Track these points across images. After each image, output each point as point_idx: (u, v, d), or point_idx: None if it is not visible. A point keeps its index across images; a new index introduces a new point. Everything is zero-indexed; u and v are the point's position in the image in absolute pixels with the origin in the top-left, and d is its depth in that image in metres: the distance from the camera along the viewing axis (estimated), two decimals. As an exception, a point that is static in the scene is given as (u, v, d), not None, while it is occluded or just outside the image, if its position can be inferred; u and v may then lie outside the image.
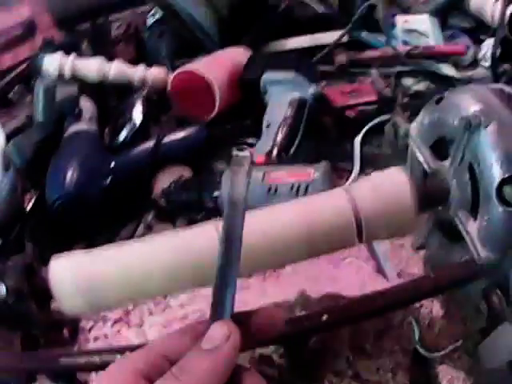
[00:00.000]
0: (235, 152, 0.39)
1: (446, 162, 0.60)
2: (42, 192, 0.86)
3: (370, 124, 0.95)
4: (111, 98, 1.07)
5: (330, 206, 0.50)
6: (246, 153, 0.39)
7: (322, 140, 0.96)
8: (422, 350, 0.62)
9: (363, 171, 0.90)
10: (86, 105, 0.98)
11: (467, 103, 0.57)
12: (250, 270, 0.48)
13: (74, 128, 0.93)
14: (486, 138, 0.53)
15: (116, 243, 0.54)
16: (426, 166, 0.63)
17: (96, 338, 0.73)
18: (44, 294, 0.52)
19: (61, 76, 1.04)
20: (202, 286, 0.52)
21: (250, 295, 0.71)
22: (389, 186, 0.52)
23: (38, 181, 0.88)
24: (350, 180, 0.87)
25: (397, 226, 0.51)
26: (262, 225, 0.50)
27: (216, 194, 0.82)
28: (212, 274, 0.49)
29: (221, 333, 0.35)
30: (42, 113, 0.92)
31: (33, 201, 0.87)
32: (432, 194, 0.57)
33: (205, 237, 0.50)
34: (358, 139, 0.93)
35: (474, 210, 0.56)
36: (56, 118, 0.94)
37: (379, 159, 0.91)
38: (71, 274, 0.51)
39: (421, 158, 0.64)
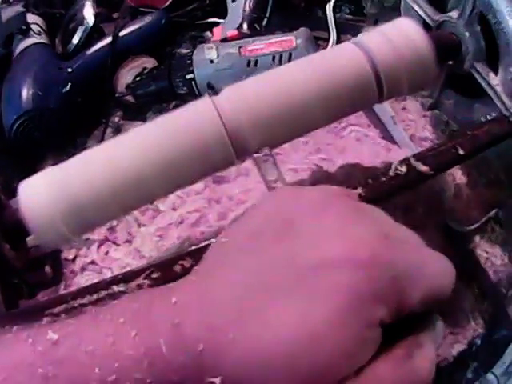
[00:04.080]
0: (256, 155, 0.45)
1: (452, 14, 0.56)
2: (-1, 121, 0.79)
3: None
4: (58, 7, 0.97)
5: (343, 62, 0.45)
6: (266, 150, 0.44)
7: (292, 10, 0.90)
8: (453, 224, 0.58)
9: (339, 38, 0.84)
10: (33, 18, 0.90)
11: None
12: (264, 144, 0.43)
13: (22, 45, 0.86)
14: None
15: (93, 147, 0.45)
16: (428, 20, 0.59)
17: (83, 269, 0.64)
18: (17, 230, 0.44)
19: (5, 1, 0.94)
20: (211, 171, 0.47)
21: (251, 181, 0.63)
22: (403, 36, 0.46)
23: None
24: (330, 47, 0.81)
25: (418, 78, 0.46)
26: (271, 89, 0.44)
27: (189, 76, 0.77)
28: (223, 156, 0.44)
29: None
30: (-13, 39, 0.83)
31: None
32: (445, 45, 0.52)
33: (204, 113, 0.44)
34: (329, 6, 0.87)
35: (492, 63, 0.52)
36: (3, 41, 0.85)
37: (357, 23, 0.85)
38: (46, 194, 0.43)
39: (420, 12, 0.60)
